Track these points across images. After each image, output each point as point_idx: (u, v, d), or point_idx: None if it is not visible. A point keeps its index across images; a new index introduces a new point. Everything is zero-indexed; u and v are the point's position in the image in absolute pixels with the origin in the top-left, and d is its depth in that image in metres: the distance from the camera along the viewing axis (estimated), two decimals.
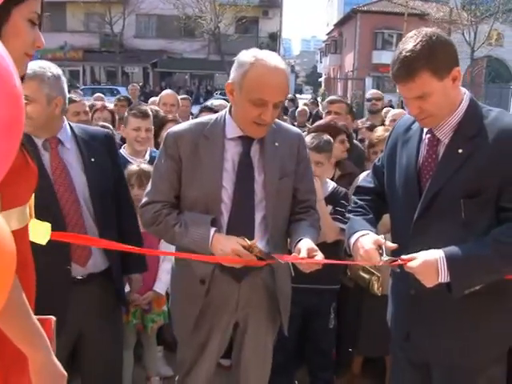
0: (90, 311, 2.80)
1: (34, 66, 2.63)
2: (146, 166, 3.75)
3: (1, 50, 0.98)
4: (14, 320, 1.41)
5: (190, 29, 38.53)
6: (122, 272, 3.03)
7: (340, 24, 51.52)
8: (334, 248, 3.68)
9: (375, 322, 3.73)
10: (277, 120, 2.65)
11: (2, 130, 0.96)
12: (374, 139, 4.04)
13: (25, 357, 1.47)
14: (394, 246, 2.26)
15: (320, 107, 12.05)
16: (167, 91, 6.71)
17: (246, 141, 2.56)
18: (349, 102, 7.55)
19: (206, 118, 2.71)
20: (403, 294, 2.40)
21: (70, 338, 2.73)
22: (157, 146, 4.35)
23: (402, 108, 9.41)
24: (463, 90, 2.28)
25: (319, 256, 2.38)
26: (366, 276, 3.73)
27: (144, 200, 2.64)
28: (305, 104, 14.55)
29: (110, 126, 4.94)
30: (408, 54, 2.08)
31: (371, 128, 5.25)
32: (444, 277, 2.08)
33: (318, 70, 69.74)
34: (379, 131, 4.15)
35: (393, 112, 6.54)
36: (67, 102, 2.88)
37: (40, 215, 2.35)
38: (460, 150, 2.16)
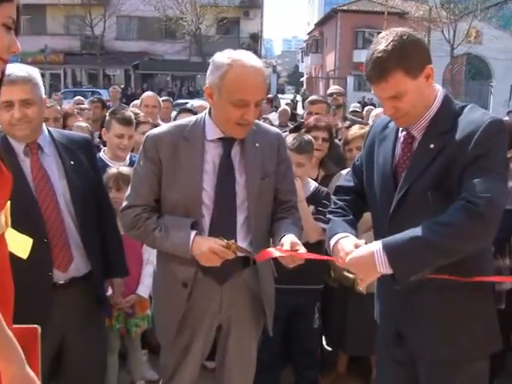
0: (72, 316, 2.78)
1: (19, 69, 2.64)
2: (124, 169, 3.72)
3: None
4: None
5: (171, 30, 38.49)
6: (104, 276, 3.01)
7: (321, 23, 51.70)
8: (317, 248, 3.68)
9: (361, 321, 3.75)
10: (256, 121, 2.65)
11: None
12: (349, 136, 4.08)
13: None
14: None
15: (299, 107, 12.11)
16: (148, 93, 6.69)
17: (226, 142, 2.56)
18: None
19: (186, 120, 2.70)
20: (388, 291, 2.40)
21: (52, 343, 2.70)
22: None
23: None
24: (437, 87, 2.31)
25: (302, 250, 2.39)
26: (351, 276, 3.73)
27: (124, 204, 2.63)
28: (286, 104, 14.57)
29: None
30: (380, 54, 2.11)
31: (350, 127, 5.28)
32: (384, 267, 2.08)
33: (300, 70, 69.98)
34: (354, 129, 4.18)
35: (376, 111, 6.59)
36: None
37: (20, 221, 2.33)
38: (431, 146, 2.19)
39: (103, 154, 4.17)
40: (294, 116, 11.82)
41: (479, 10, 30.99)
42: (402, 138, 2.35)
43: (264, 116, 7.90)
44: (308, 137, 3.86)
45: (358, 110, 9.37)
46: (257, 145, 2.61)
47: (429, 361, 2.35)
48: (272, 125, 7.47)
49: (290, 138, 3.70)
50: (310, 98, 5.86)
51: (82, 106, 7.81)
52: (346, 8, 43.89)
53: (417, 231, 2.04)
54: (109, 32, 38.54)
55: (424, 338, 2.33)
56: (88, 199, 2.84)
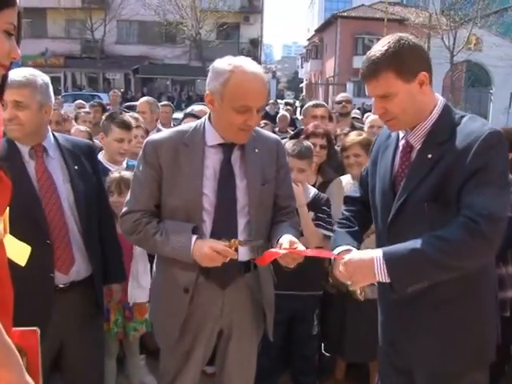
0: (71, 319, 2.80)
1: (24, 72, 2.69)
2: (126, 174, 3.72)
3: None
4: None
5: (172, 35, 38.53)
6: (103, 280, 3.03)
7: (321, 30, 51.78)
8: None
9: (359, 328, 3.76)
10: (255, 127, 2.67)
11: None
12: (346, 143, 4.09)
13: None
14: None
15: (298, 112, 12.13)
16: (141, 99, 6.73)
17: (226, 148, 2.57)
18: (330, 106, 7.67)
19: (186, 125, 2.71)
20: (386, 300, 2.41)
21: (51, 345, 2.71)
22: None
23: None
24: (438, 96, 2.31)
25: (301, 248, 2.39)
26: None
27: (124, 209, 2.63)
28: (286, 109, 14.59)
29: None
30: (375, 54, 2.18)
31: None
32: (382, 276, 2.09)
33: (300, 76, 70.00)
34: (351, 135, 4.19)
35: (371, 117, 6.59)
36: None
37: (23, 222, 2.36)
38: (429, 156, 2.19)
39: (101, 157, 4.14)
40: (293, 121, 11.84)
41: (479, 17, 31.02)
42: (401, 147, 2.35)
43: (264, 121, 7.90)
44: (307, 143, 3.88)
45: (358, 116, 9.38)
46: (256, 151, 2.62)
47: (426, 371, 2.35)
48: (273, 130, 7.50)
49: (289, 144, 3.71)
50: (314, 102, 5.88)
51: (83, 109, 7.81)
52: (345, 14, 43.98)
53: (418, 244, 2.03)
54: (109, 36, 38.60)
55: (416, 349, 2.33)
56: (91, 204, 2.88)
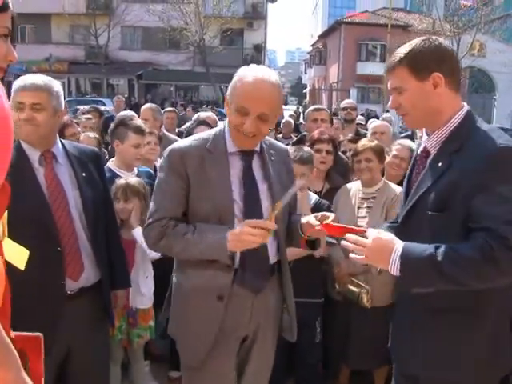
0: (79, 325, 2.81)
1: (41, 77, 2.79)
2: (132, 180, 3.73)
3: None
4: None
5: (175, 41, 38.57)
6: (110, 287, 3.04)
7: (324, 35, 51.88)
8: (318, 262, 3.73)
9: (364, 335, 3.75)
10: (266, 137, 2.69)
11: None
12: (359, 148, 4.08)
13: None
14: None
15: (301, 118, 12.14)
16: (144, 106, 6.70)
17: (245, 154, 2.59)
18: (334, 112, 7.69)
19: (205, 133, 2.69)
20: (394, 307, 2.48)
21: (58, 351, 2.72)
22: None
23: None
24: (463, 104, 2.29)
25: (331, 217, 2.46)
26: (355, 289, 3.74)
27: (149, 220, 2.54)
28: (290, 115, 14.60)
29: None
30: (400, 50, 2.28)
31: (353, 140, 5.31)
32: (395, 269, 2.10)
33: (303, 81, 70.04)
34: (364, 141, 4.21)
35: (375, 123, 6.60)
36: None
37: (34, 229, 2.38)
38: (439, 164, 2.20)
39: (111, 164, 4.12)
40: (297, 127, 11.84)
41: (483, 23, 31.02)
42: (419, 153, 2.40)
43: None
44: (307, 148, 3.90)
45: (361, 122, 9.39)
46: (273, 159, 2.67)
47: (425, 378, 2.34)
48: (275, 137, 7.51)
49: (291, 150, 3.72)
50: (315, 106, 5.93)
51: (85, 116, 7.81)
52: (349, 20, 44.10)
53: (436, 252, 2.03)
54: (113, 42, 38.65)
55: (403, 354, 2.37)
56: (98, 210, 2.91)
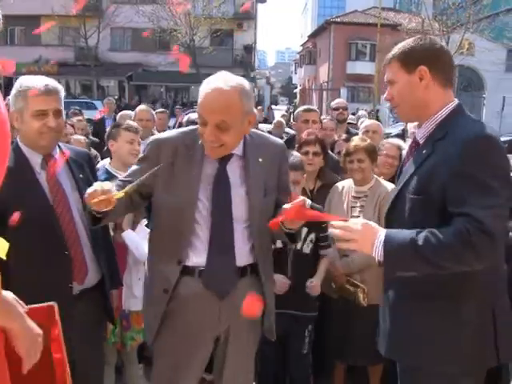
0: (76, 327, 2.78)
1: (48, 80, 2.74)
2: None
3: None
4: None
5: (165, 42, 38.48)
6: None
7: (314, 35, 51.94)
8: (313, 260, 3.74)
9: (361, 332, 3.75)
10: (261, 133, 2.72)
11: None
12: (351, 148, 4.08)
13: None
14: None
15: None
16: (141, 107, 6.67)
17: (221, 158, 2.58)
18: (324, 112, 7.70)
19: (189, 128, 2.73)
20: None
21: None
22: None
23: (377, 118, 9.51)
24: (453, 99, 2.36)
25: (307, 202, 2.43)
26: (351, 288, 3.78)
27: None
28: (282, 115, 14.61)
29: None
30: (395, 47, 2.41)
31: (348, 140, 5.30)
32: (378, 255, 2.15)
33: (293, 81, 70.15)
34: (356, 140, 4.20)
35: (365, 122, 6.61)
36: None
37: (41, 235, 2.50)
38: (424, 151, 2.28)
39: (108, 166, 4.15)
40: (289, 127, 11.86)
41: (471, 22, 31.11)
42: (409, 144, 2.52)
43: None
44: (296, 153, 3.92)
45: (352, 121, 9.39)
46: (260, 160, 2.63)
47: (408, 368, 2.39)
48: None
49: None
50: (305, 107, 5.92)
51: (77, 117, 7.79)
52: (339, 20, 44.17)
53: (417, 236, 2.08)
54: (103, 43, 38.55)
55: (386, 340, 2.43)
56: None
